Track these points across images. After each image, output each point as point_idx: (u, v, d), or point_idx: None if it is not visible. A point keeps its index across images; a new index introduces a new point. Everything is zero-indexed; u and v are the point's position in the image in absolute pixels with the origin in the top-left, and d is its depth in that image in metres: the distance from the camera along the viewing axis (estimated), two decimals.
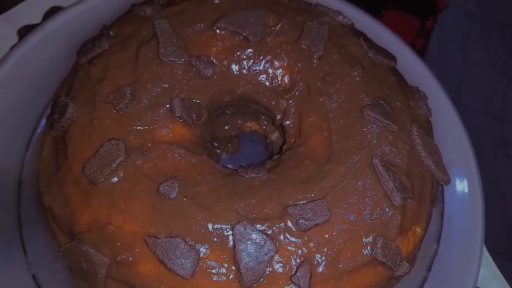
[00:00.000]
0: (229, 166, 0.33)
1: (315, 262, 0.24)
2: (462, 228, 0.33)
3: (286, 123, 0.31)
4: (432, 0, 0.71)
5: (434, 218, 0.32)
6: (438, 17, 0.71)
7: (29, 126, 0.35)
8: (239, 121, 0.36)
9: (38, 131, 0.34)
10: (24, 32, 0.45)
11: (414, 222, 0.27)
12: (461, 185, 0.35)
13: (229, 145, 0.38)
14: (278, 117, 0.31)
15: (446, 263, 0.32)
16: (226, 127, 0.36)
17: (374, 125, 0.28)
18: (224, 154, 0.38)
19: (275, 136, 0.35)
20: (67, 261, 0.25)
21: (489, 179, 0.84)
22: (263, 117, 0.35)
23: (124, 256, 0.24)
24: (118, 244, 0.24)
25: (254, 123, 0.36)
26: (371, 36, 0.35)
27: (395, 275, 0.26)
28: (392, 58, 0.32)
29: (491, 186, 0.84)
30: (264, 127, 0.36)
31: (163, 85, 0.28)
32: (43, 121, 0.34)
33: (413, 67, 0.38)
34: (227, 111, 0.34)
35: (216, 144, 0.37)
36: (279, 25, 0.31)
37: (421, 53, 0.68)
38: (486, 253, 0.36)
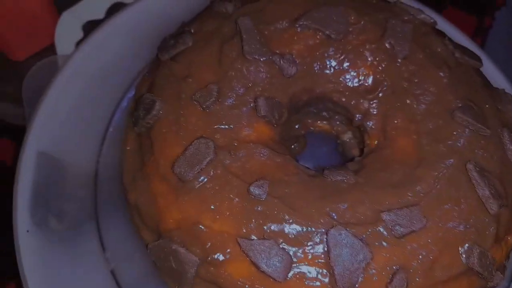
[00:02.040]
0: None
1: (411, 271, 0.23)
2: None
3: (367, 123, 0.30)
4: None
5: None
6: (496, 14, 0.69)
7: (101, 121, 0.35)
8: (309, 120, 0.36)
9: (112, 125, 0.34)
10: (89, 27, 0.45)
11: (507, 231, 0.26)
12: None
13: (296, 144, 0.38)
14: (358, 117, 0.31)
15: None
16: (297, 126, 0.35)
17: (466, 129, 0.27)
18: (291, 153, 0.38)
19: (347, 136, 0.35)
20: (155, 259, 0.25)
21: None
22: (336, 117, 0.34)
23: (215, 257, 0.24)
24: (209, 243, 0.24)
25: (325, 122, 0.35)
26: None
27: (488, 285, 0.25)
28: (478, 58, 0.31)
29: None
30: (336, 127, 0.35)
31: (248, 84, 0.28)
32: (117, 116, 0.35)
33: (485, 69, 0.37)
34: (300, 110, 0.34)
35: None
36: (362, 22, 0.30)
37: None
38: None
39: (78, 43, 0.44)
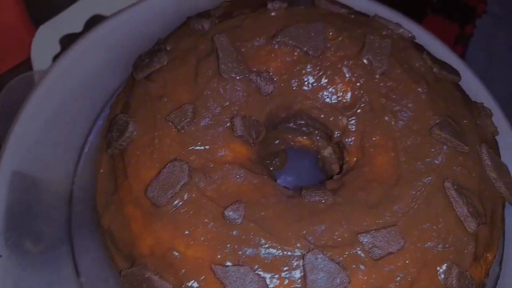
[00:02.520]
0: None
1: None
2: None
3: (346, 140, 0.30)
4: (471, 6, 0.69)
5: None
6: (477, 22, 0.69)
7: (77, 139, 0.35)
8: (289, 136, 0.35)
9: (88, 145, 0.34)
10: (66, 41, 0.44)
11: (486, 249, 0.26)
12: None
13: (276, 159, 0.37)
14: (337, 134, 0.30)
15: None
16: (276, 142, 0.35)
17: (444, 146, 0.27)
18: (271, 168, 0.37)
19: (327, 152, 0.34)
20: (128, 286, 0.25)
21: None
22: (316, 132, 0.34)
23: (189, 284, 0.23)
24: (183, 270, 0.23)
25: (305, 137, 0.35)
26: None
27: None
28: (456, 73, 0.31)
29: None
30: (316, 142, 0.35)
31: (224, 103, 0.27)
32: (93, 134, 0.34)
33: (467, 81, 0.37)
34: (278, 126, 0.34)
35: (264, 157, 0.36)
36: (339, 39, 0.30)
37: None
38: None
39: (55, 58, 0.43)
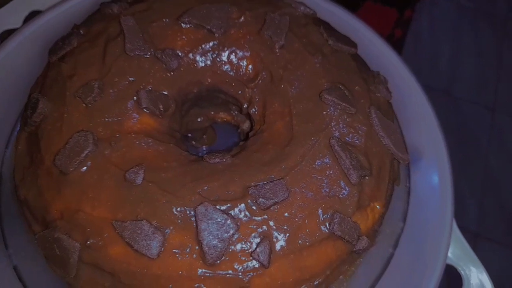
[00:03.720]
0: None
1: (275, 239, 0.25)
2: (431, 207, 0.35)
3: (251, 111, 0.32)
4: None
5: (400, 196, 0.34)
6: (416, 7, 0.72)
7: (7, 126, 0.36)
8: (212, 112, 0.38)
9: (17, 130, 0.35)
10: (6, 36, 0.46)
11: (372, 199, 0.28)
12: (431, 167, 0.36)
13: (204, 136, 0.40)
14: (245, 106, 0.33)
15: (415, 240, 0.34)
16: (199, 119, 0.37)
17: (332, 108, 0.29)
18: (202, 146, 0.40)
19: (246, 125, 0.37)
20: (42, 248, 0.27)
21: (483, 168, 0.85)
22: (233, 107, 0.36)
23: (94, 241, 0.25)
24: (88, 229, 0.25)
25: (226, 113, 0.37)
26: (339, 25, 0.36)
27: (354, 249, 0.27)
28: (353, 44, 0.34)
29: (485, 175, 0.85)
30: (236, 117, 0.37)
31: (130, 79, 0.29)
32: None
33: (382, 53, 0.39)
34: (198, 103, 0.36)
35: (190, 135, 0.38)
36: (242, 18, 0.32)
37: (400, 43, 0.70)
38: (458, 233, 0.37)
39: None
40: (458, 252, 0.35)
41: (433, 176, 0.36)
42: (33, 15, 0.48)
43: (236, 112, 0.37)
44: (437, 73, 0.76)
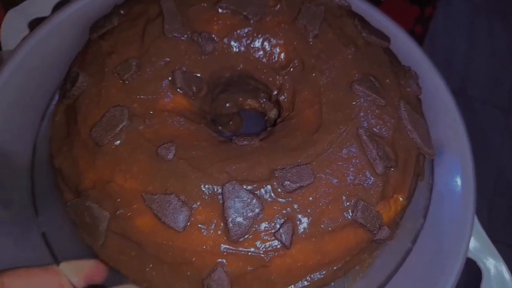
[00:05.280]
0: None
1: (298, 221, 0.26)
2: (453, 202, 0.35)
3: (281, 98, 0.33)
4: None
5: (423, 193, 0.34)
6: (438, 4, 0.72)
7: (44, 101, 0.37)
8: (240, 99, 0.38)
9: (47, 117, 0.36)
10: (35, 24, 0.46)
11: (396, 191, 0.29)
12: (454, 162, 0.36)
13: (231, 123, 0.40)
14: (275, 92, 0.33)
15: (435, 235, 0.34)
16: (228, 105, 0.38)
17: (362, 99, 0.29)
18: (227, 132, 0.40)
19: (273, 113, 0.37)
20: (72, 215, 0.28)
21: (496, 169, 0.84)
22: (262, 94, 0.37)
23: (123, 211, 0.26)
24: (118, 200, 0.26)
25: (254, 100, 0.38)
26: (369, 20, 0.36)
27: (375, 238, 0.28)
28: (386, 38, 0.34)
29: (497, 175, 0.84)
30: (263, 105, 0.38)
31: (166, 59, 0.30)
32: (51, 107, 0.36)
33: (409, 50, 0.39)
34: (228, 89, 0.37)
35: (217, 120, 0.39)
36: (278, 6, 0.33)
37: (420, 39, 0.70)
38: (478, 226, 0.37)
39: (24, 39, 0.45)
40: (477, 245, 0.35)
41: (456, 171, 0.36)
42: (61, 4, 0.48)
43: (264, 100, 0.37)
44: (451, 72, 0.77)
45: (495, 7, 0.88)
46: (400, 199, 0.29)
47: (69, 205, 0.28)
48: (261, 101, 0.38)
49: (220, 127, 0.40)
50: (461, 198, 0.34)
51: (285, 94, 0.32)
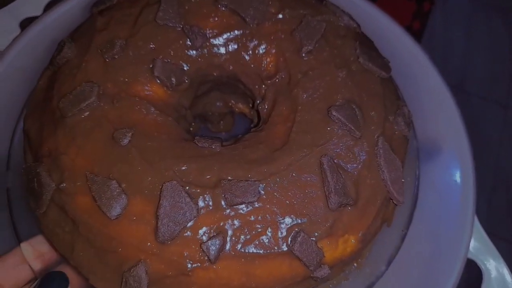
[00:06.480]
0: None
1: (230, 238, 0.25)
2: (452, 200, 0.34)
3: (260, 107, 0.31)
4: None
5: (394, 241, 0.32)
6: None
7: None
8: (232, 101, 0.37)
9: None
10: (26, 24, 0.46)
11: (349, 231, 0.27)
12: (452, 159, 0.35)
13: (222, 122, 0.40)
14: (258, 101, 0.32)
15: (434, 234, 0.33)
16: (218, 103, 0.37)
17: (337, 127, 0.28)
18: (216, 131, 0.40)
19: (256, 121, 0.36)
20: (24, 178, 0.28)
21: (494, 165, 0.81)
22: (250, 100, 0.35)
23: (67, 185, 0.26)
24: (66, 173, 0.27)
25: (244, 105, 0.37)
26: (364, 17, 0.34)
27: (312, 275, 0.26)
28: (386, 68, 0.32)
29: (496, 172, 0.82)
30: (251, 112, 0.37)
31: (152, 45, 0.30)
32: None
33: (407, 46, 0.39)
34: (220, 88, 0.36)
35: (207, 118, 0.38)
36: (280, 14, 0.32)
37: (418, 35, 0.66)
38: (478, 225, 0.35)
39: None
40: (477, 245, 0.33)
41: (455, 168, 0.34)
42: (52, 4, 0.47)
43: (251, 106, 0.36)
44: (449, 68, 0.74)
45: (493, 2, 0.84)
46: (352, 241, 0.27)
47: (24, 168, 0.28)
48: (250, 107, 0.37)
49: (210, 125, 0.40)
50: (460, 197, 0.33)
51: (266, 105, 0.31)
